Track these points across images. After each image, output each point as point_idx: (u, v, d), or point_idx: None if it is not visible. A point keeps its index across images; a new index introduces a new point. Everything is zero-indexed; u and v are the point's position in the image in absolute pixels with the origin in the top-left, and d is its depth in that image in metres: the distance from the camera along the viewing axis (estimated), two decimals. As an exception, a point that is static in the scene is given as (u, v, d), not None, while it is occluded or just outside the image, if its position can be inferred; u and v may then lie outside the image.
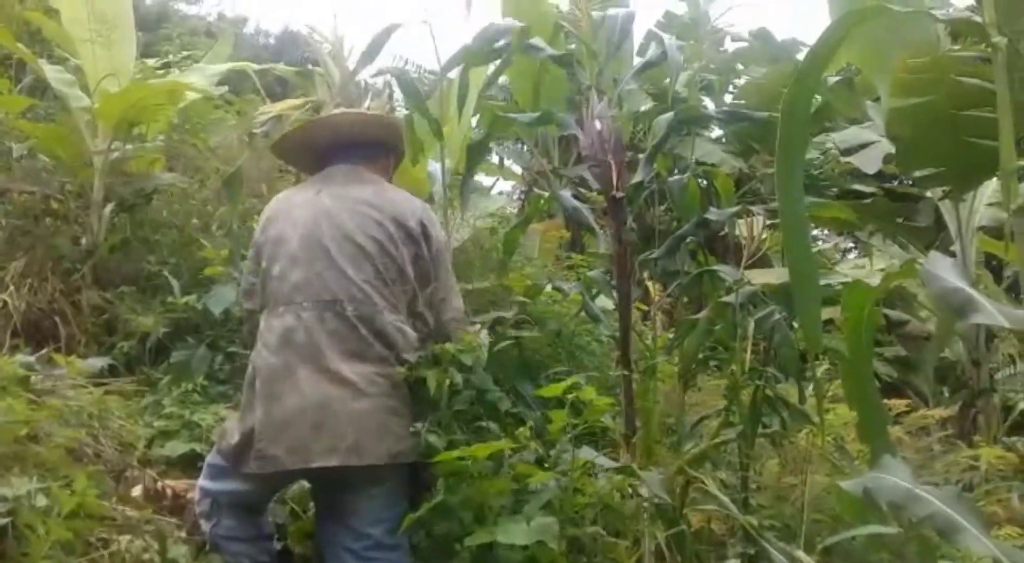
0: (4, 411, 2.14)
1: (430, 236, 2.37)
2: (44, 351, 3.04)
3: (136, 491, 2.65)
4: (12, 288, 3.55)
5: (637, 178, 2.96)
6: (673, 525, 2.38)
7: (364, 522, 2.16)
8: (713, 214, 2.94)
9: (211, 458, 2.36)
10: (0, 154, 4.06)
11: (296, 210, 2.33)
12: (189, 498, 2.75)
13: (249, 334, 2.39)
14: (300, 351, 2.16)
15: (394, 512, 2.16)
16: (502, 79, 7.85)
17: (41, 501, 1.95)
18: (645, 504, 2.34)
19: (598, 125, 2.81)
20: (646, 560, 2.28)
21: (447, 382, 2.19)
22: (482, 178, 7.22)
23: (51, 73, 3.88)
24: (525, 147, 7.25)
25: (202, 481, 2.34)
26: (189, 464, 2.97)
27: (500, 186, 7.98)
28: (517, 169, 7.80)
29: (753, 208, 2.98)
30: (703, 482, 2.66)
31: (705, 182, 3.51)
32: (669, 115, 2.94)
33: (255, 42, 11.78)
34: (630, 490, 2.43)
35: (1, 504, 1.89)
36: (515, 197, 7.81)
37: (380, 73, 4.78)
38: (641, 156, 2.99)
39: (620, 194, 2.75)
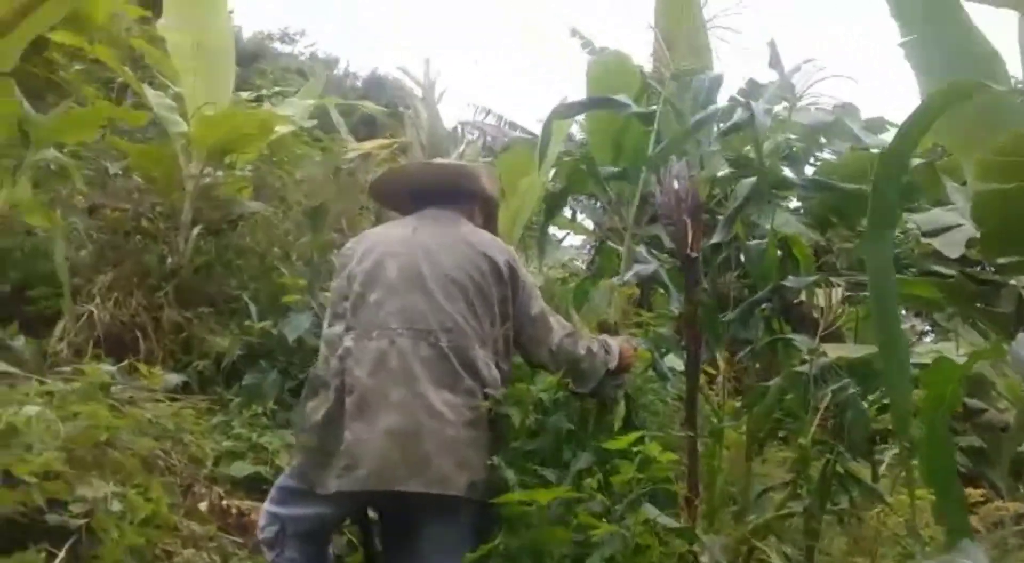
0: (88, 416, 2.21)
1: (518, 278, 2.42)
2: (124, 363, 3.14)
3: (202, 506, 2.70)
4: (98, 300, 3.69)
5: (714, 240, 2.97)
6: (732, 594, 2.33)
7: (435, 553, 2.16)
8: (791, 281, 2.93)
9: (281, 482, 2.38)
10: (96, 171, 4.27)
11: (394, 245, 2.40)
12: (252, 519, 2.79)
13: (322, 359, 2.41)
14: (394, 375, 2.20)
15: (463, 548, 2.16)
16: (579, 135, 7.96)
17: (116, 506, 2.00)
18: (702, 570, 2.30)
19: (676, 184, 2.84)
20: (701, 628, 2.23)
21: (526, 421, 2.21)
22: (553, 230, 7.26)
23: (153, 98, 4.07)
24: (599, 203, 7.29)
25: (269, 505, 2.35)
26: (253, 486, 3.03)
27: (569, 240, 8.03)
28: (589, 224, 7.84)
29: (833, 279, 2.94)
30: (766, 554, 2.61)
31: (783, 250, 3.50)
32: (752, 179, 2.96)
33: (343, 84, 12.17)
34: (690, 555, 2.39)
35: (80, 504, 1.95)
36: (585, 251, 7.83)
37: (465, 124, 4.90)
38: (719, 218, 3.01)
39: (695, 254, 2.75)
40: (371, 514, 2.49)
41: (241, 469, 3.04)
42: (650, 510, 2.16)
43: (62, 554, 1.84)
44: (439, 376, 2.22)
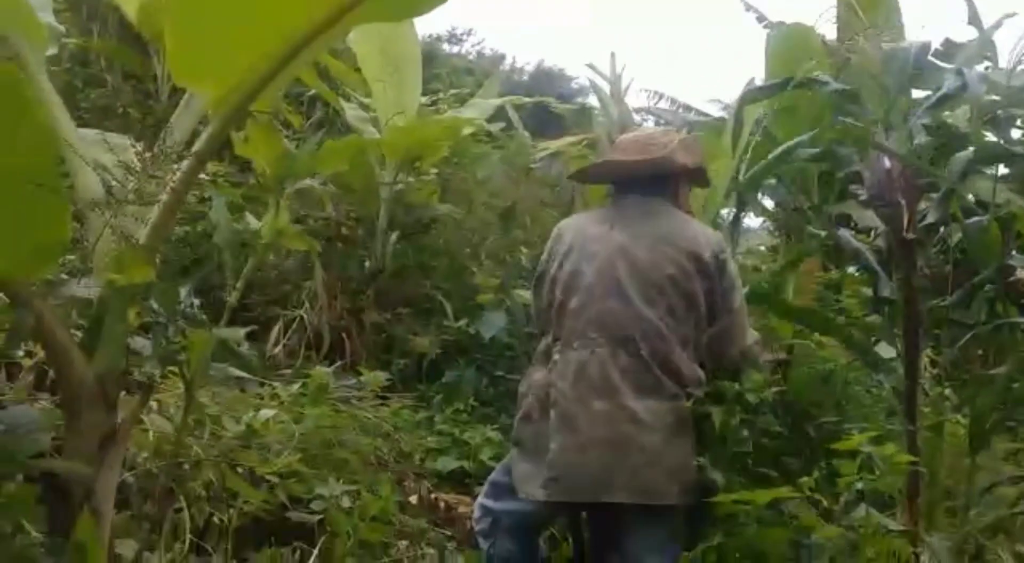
0: (316, 417, 2.37)
1: (724, 268, 2.32)
2: (337, 364, 3.34)
3: (413, 500, 2.83)
4: (307, 305, 3.95)
5: (929, 219, 2.78)
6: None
7: (643, 553, 2.16)
8: (1017, 260, 2.70)
9: (495, 477, 2.44)
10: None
11: (591, 244, 2.34)
12: (459, 512, 2.91)
13: (536, 364, 2.40)
14: (595, 385, 2.19)
15: (672, 547, 2.15)
16: (759, 116, 7.66)
17: (346, 502, 2.14)
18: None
19: (887, 163, 2.67)
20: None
21: (732, 421, 2.15)
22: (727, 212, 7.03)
23: (348, 109, 4.29)
24: (780, 182, 6.99)
25: (483, 499, 2.43)
26: (457, 480, 3.15)
27: (747, 222, 7.76)
28: (768, 204, 7.55)
29: (1068, 256, 2.68)
30: (997, 554, 2.43)
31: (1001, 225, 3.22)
32: (968, 152, 2.74)
33: (510, 79, 12.35)
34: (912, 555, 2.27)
35: (319, 502, 2.09)
36: (767, 232, 7.55)
37: (639, 110, 4.85)
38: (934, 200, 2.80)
39: (911, 236, 2.59)
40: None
41: (446, 464, 3.17)
42: (874, 512, 2.07)
43: (315, 552, 1.98)
44: (641, 384, 2.18)
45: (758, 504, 2.02)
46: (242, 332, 1.57)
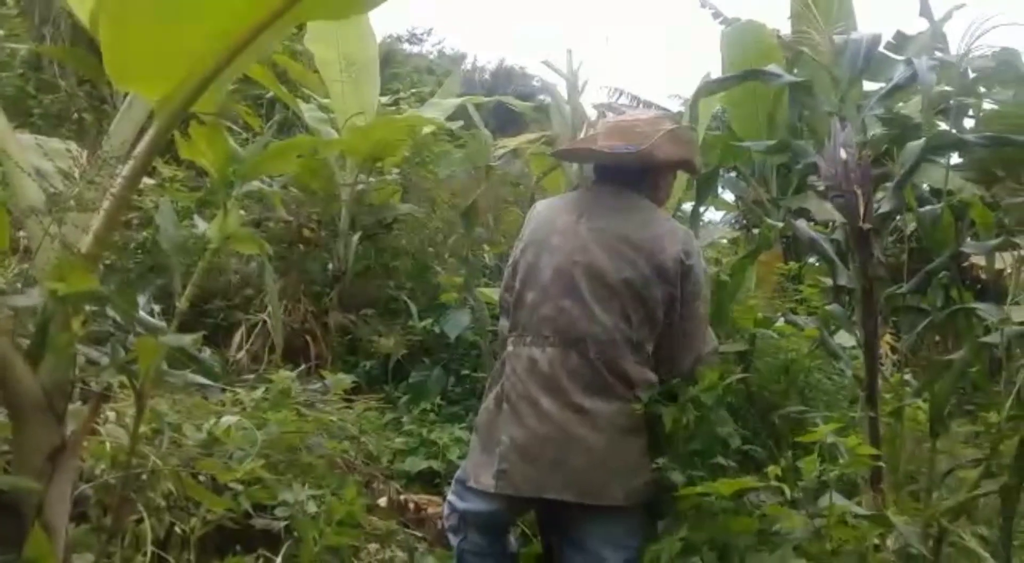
0: (279, 422, 2.34)
1: (689, 273, 2.29)
2: (301, 367, 3.31)
3: (382, 502, 2.82)
4: (269, 308, 3.90)
5: (884, 208, 2.81)
6: (928, 581, 2.22)
7: (600, 548, 2.17)
8: (970, 247, 2.74)
9: (460, 475, 2.45)
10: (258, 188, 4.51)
11: (555, 237, 2.30)
12: (430, 513, 2.90)
13: (499, 354, 2.42)
14: (545, 383, 2.19)
15: (632, 541, 2.16)
16: (718, 110, 7.73)
17: (312, 508, 2.12)
18: (892, 557, 2.20)
19: (843, 153, 2.70)
20: (896, 617, 2.14)
21: (684, 420, 2.16)
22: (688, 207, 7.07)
23: (306, 111, 4.25)
24: (739, 176, 7.07)
25: (450, 496, 2.43)
26: (427, 480, 3.14)
27: (708, 215, 7.81)
28: (729, 198, 7.61)
29: (1017, 240, 2.73)
30: (960, 536, 2.46)
31: (955, 212, 3.28)
32: (920, 141, 2.78)
33: (472, 78, 12.33)
34: (876, 541, 2.29)
35: (284, 509, 2.07)
36: (727, 226, 7.61)
37: (600, 106, 4.85)
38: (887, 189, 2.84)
39: (868, 226, 2.62)
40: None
41: (415, 464, 3.16)
42: (840, 499, 2.09)
43: (279, 559, 1.96)
44: (589, 386, 2.18)
45: (723, 496, 2.03)
46: (190, 338, 1.52)
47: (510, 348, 2.31)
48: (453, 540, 2.40)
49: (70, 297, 1.26)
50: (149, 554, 1.84)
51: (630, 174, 2.40)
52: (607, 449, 2.17)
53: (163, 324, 1.83)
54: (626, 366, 2.21)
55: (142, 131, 1.35)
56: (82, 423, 1.40)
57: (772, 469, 2.06)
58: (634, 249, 2.26)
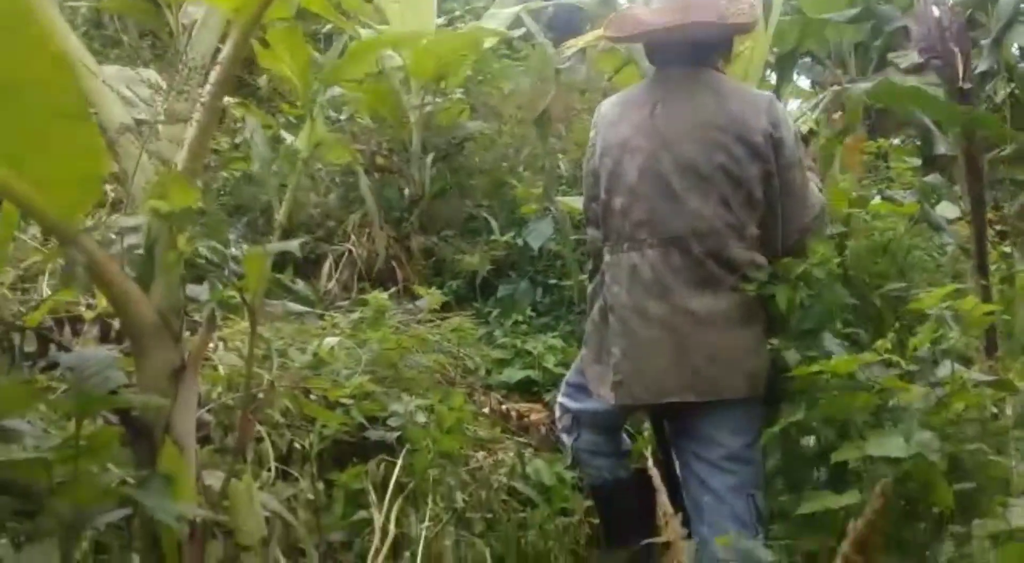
0: (380, 340, 2.38)
1: (780, 143, 2.17)
2: (391, 290, 3.35)
3: (485, 412, 2.86)
4: (353, 238, 3.94)
5: (981, 67, 2.65)
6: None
7: (723, 433, 2.15)
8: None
9: (571, 378, 2.44)
10: (327, 119, 4.50)
11: (634, 138, 2.19)
12: (532, 419, 2.93)
13: (593, 263, 2.37)
14: (649, 288, 2.14)
15: (753, 425, 2.14)
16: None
17: (421, 418, 2.16)
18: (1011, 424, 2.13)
19: (936, 12, 2.53)
20: (1017, 481, 2.08)
21: (798, 298, 2.10)
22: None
23: (388, 35, 4.18)
24: (814, 60, 6.75)
25: (562, 399, 2.44)
26: (525, 389, 3.17)
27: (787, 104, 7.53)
28: (804, 84, 7.31)
29: None
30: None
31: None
32: (1016, -6, 2.59)
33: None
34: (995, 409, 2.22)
35: (395, 419, 2.12)
36: (806, 113, 7.32)
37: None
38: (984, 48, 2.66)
39: (968, 85, 2.47)
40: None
41: (512, 375, 3.18)
42: (960, 367, 2.02)
43: (399, 462, 2.01)
44: (695, 282, 2.12)
45: (837, 374, 1.98)
46: (295, 243, 1.53)
47: (607, 258, 2.23)
48: (567, 440, 2.43)
49: (174, 215, 1.27)
50: (273, 470, 1.91)
51: (696, 50, 2.25)
52: (723, 344, 2.13)
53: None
54: (731, 253, 2.14)
55: (222, 44, 1.33)
56: (200, 341, 1.44)
57: (881, 343, 2.00)
58: (720, 130, 2.15)
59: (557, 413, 2.45)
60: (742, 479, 2.15)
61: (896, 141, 6.20)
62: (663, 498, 1.31)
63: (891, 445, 1.75)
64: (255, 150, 1.37)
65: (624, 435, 2.48)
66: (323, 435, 2.02)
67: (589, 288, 2.37)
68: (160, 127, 1.35)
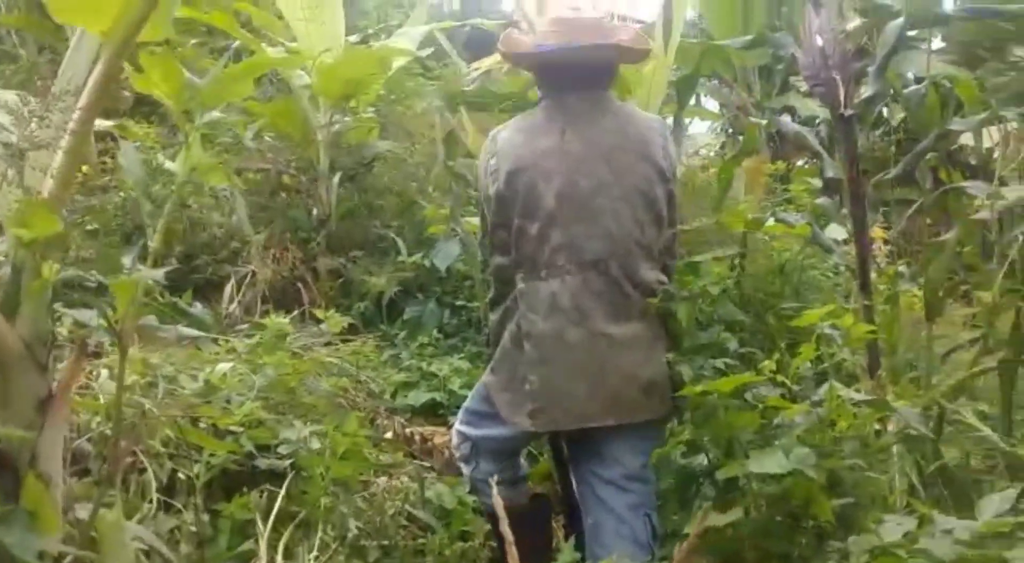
0: (275, 365, 2.34)
1: (673, 164, 2.26)
2: (295, 313, 3.30)
3: (388, 436, 2.84)
4: (258, 259, 3.88)
5: (867, 93, 2.76)
6: (930, 460, 2.24)
7: (625, 453, 2.18)
8: (958, 124, 2.70)
9: (471, 405, 2.42)
10: (233, 137, 4.42)
11: (545, 161, 2.17)
12: (436, 442, 2.92)
13: (499, 289, 2.31)
14: (569, 315, 2.14)
15: (650, 445, 2.17)
16: (693, 16, 7.56)
17: (315, 444, 2.12)
18: (895, 439, 2.22)
19: (819, 40, 2.64)
20: (899, 497, 2.16)
21: (695, 315, 2.17)
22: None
23: (273, 55, 4.13)
24: (721, 83, 6.96)
25: (460, 426, 2.42)
26: (430, 412, 3.16)
27: (695, 127, 7.74)
28: (712, 106, 7.52)
29: (1005, 114, 2.68)
30: (961, 415, 2.48)
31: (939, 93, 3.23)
32: (899, 20, 2.72)
33: (440, 10, 12.03)
34: (877, 426, 2.31)
35: (286, 446, 2.08)
36: (713, 135, 7.55)
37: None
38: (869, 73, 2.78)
39: (849, 112, 2.57)
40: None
41: (417, 398, 3.17)
42: (838, 386, 2.09)
43: (282, 491, 1.97)
44: (614, 305, 2.15)
45: (724, 393, 2.03)
46: (161, 273, 1.49)
47: (521, 285, 2.20)
48: (465, 469, 2.41)
49: (37, 243, 1.22)
50: (155, 501, 1.85)
51: (594, 74, 2.27)
52: (640, 366, 2.16)
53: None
54: (644, 274, 2.18)
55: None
56: (68, 371, 1.39)
57: (767, 363, 2.06)
58: (629, 153, 2.19)
59: (455, 441, 2.42)
60: (641, 498, 2.19)
61: (801, 163, 6.44)
62: (504, 527, 1.32)
63: (770, 462, 1.79)
64: (128, 172, 1.33)
65: (521, 460, 2.49)
66: (210, 464, 1.97)
67: (494, 315, 2.33)
68: (32, 154, 1.30)
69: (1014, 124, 2.69)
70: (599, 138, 2.20)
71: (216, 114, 1.44)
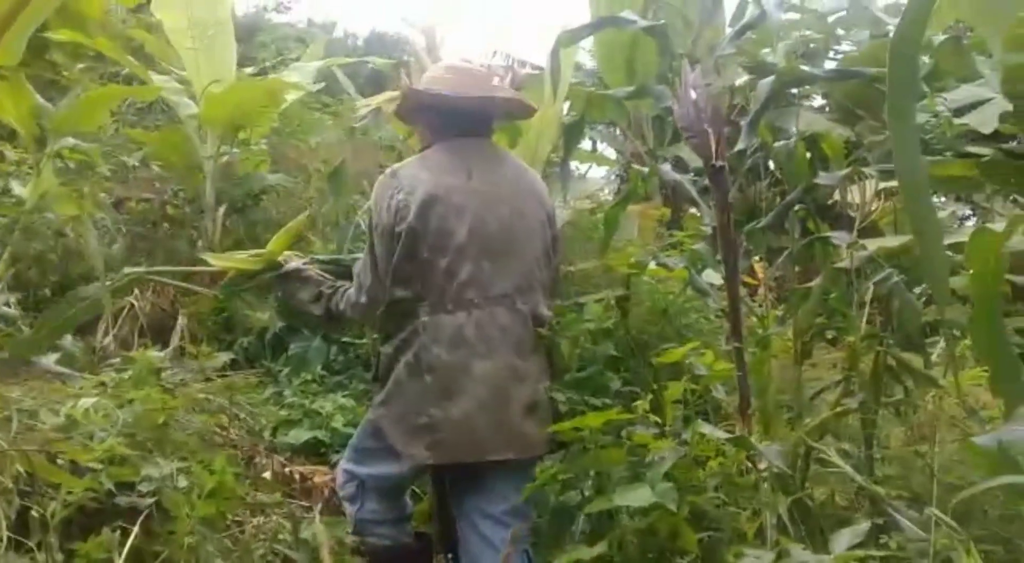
0: (143, 400, 2.26)
1: (553, 211, 2.44)
2: (171, 348, 3.20)
3: (266, 475, 2.77)
4: (136, 291, 3.74)
5: (739, 146, 2.90)
6: (794, 496, 2.34)
7: (509, 489, 2.23)
8: (823, 178, 2.86)
9: (357, 442, 2.41)
10: (116, 165, 4.29)
11: (455, 196, 2.23)
12: (315, 482, 2.86)
13: (395, 321, 2.30)
14: (474, 348, 2.18)
15: (530, 480, 2.22)
16: (591, 64, 7.81)
17: (182, 482, 2.06)
18: (764, 475, 2.31)
19: (693, 94, 2.77)
20: (768, 532, 2.24)
21: (576, 350, 2.24)
22: (575, 164, 7.18)
23: (160, 83, 4.06)
24: (617, 130, 7.19)
25: (346, 464, 2.40)
26: (312, 450, 3.10)
27: (593, 172, 7.95)
28: (610, 153, 7.75)
29: (865, 170, 2.87)
30: (825, 453, 2.60)
31: (811, 148, 3.42)
32: (770, 79, 2.88)
33: (344, 45, 12.06)
34: (748, 464, 2.40)
35: (147, 484, 2.00)
36: (610, 179, 7.77)
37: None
38: (743, 127, 2.93)
39: (720, 163, 2.70)
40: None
41: (299, 436, 3.11)
42: (704, 425, 2.17)
43: (135, 529, 1.90)
44: (518, 339, 2.23)
45: (596, 429, 2.08)
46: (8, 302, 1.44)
47: (424, 318, 2.21)
48: (349, 509, 2.38)
49: None
50: (5, 539, 1.75)
51: (485, 121, 2.42)
52: (537, 402, 2.23)
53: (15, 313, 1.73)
54: (541, 310, 2.30)
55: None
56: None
57: (640, 403, 2.13)
58: (529, 196, 2.36)
59: (340, 480, 2.41)
60: (522, 531, 2.22)
61: (694, 210, 6.68)
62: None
63: (635, 496, 1.85)
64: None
65: (407, 500, 2.48)
66: (67, 502, 1.88)
67: (386, 348, 2.32)
68: None
69: (874, 179, 2.86)
70: (502, 181, 2.33)
71: (71, 140, 1.41)
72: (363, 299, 2.36)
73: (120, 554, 1.81)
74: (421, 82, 2.46)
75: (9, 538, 1.80)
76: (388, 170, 2.39)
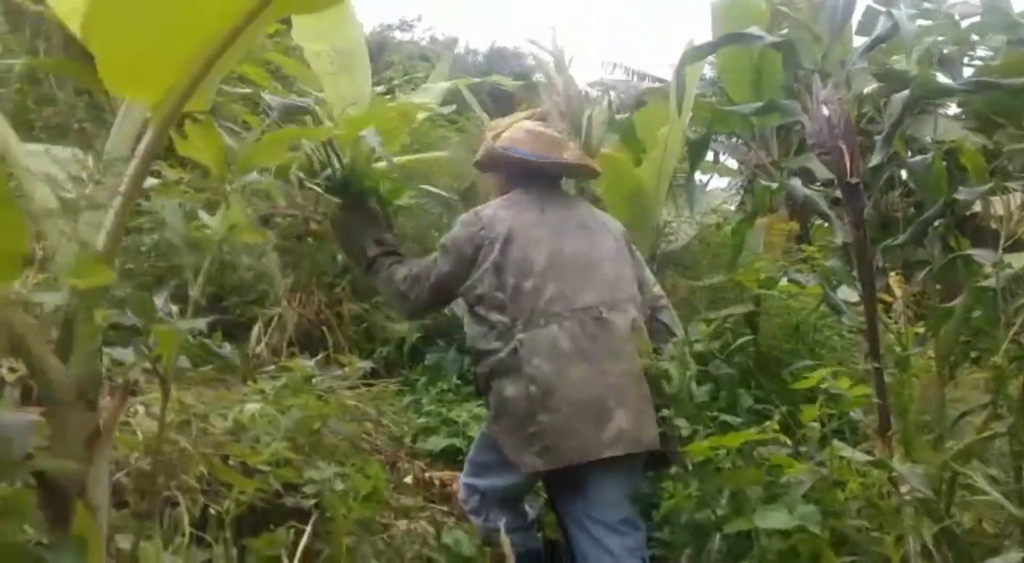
0: (300, 407, 2.43)
1: (633, 247, 2.75)
2: (319, 356, 3.39)
3: (408, 480, 2.91)
4: (285, 302, 3.99)
5: (873, 161, 2.85)
6: (940, 522, 2.29)
7: (620, 498, 2.33)
8: (963, 193, 2.78)
9: (474, 456, 2.57)
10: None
11: (532, 231, 2.55)
12: (454, 488, 2.99)
13: (495, 342, 2.50)
14: (568, 356, 2.37)
15: (636, 493, 2.33)
16: (713, 76, 7.73)
17: (339, 485, 2.20)
18: (908, 499, 2.27)
19: (825, 110, 2.75)
20: (912, 558, 2.20)
21: (687, 374, 2.28)
22: (697, 175, 7.12)
23: (306, 128, 4.28)
24: (741, 141, 7.10)
25: (467, 479, 2.56)
26: (450, 457, 3.23)
27: (715, 183, 7.89)
28: (732, 164, 7.67)
29: (1010, 184, 2.77)
30: (972, 478, 2.53)
31: (948, 161, 3.31)
32: (904, 92, 2.82)
33: (465, 62, 12.35)
34: (890, 487, 2.36)
35: (311, 486, 2.16)
36: (733, 192, 7.67)
37: (594, 84, 4.90)
38: (874, 139, 2.88)
39: (855, 179, 2.67)
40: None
41: (437, 443, 3.25)
42: (843, 447, 2.16)
43: (308, 529, 2.06)
44: (609, 346, 2.40)
45: (730, 449, 2.11)
46: (203, 321, 1.61)
47: (521, 336, 2.42)
48: (476, 521, 2.52)
49: (91, 292, 1.34)
50: (188, 535, 1.94)
51: (558, 178, 2.83)
52: (640, 399, 2.39)
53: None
54: (633, 320, 2.49)
55: (142, 133, 1.42)
56: (113, 410, 1.49)
57: (771, 423, 2.14)
58: (595, 223, 2.69)
59: (462, 495, 2.57)
60: (636, 541, 2.35)
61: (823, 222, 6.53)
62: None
63: (775, 518, 1.86)
64: (172, 230, 1.44)
65: (527, 507, 2.60)
66: (239, 501, 2.05)
67: (486, 366, 2.52)
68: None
69: (1019, 192, 2.76)
70: (571, 215, 2.65)
71: (254, 176, 1.58)
72: (406, 289, 2.69)
73: (294, 554, 1.96)
74: (502, 139, 2.75)
75: (190, 533, 1.98)
76: (471, 211, 2.72)
